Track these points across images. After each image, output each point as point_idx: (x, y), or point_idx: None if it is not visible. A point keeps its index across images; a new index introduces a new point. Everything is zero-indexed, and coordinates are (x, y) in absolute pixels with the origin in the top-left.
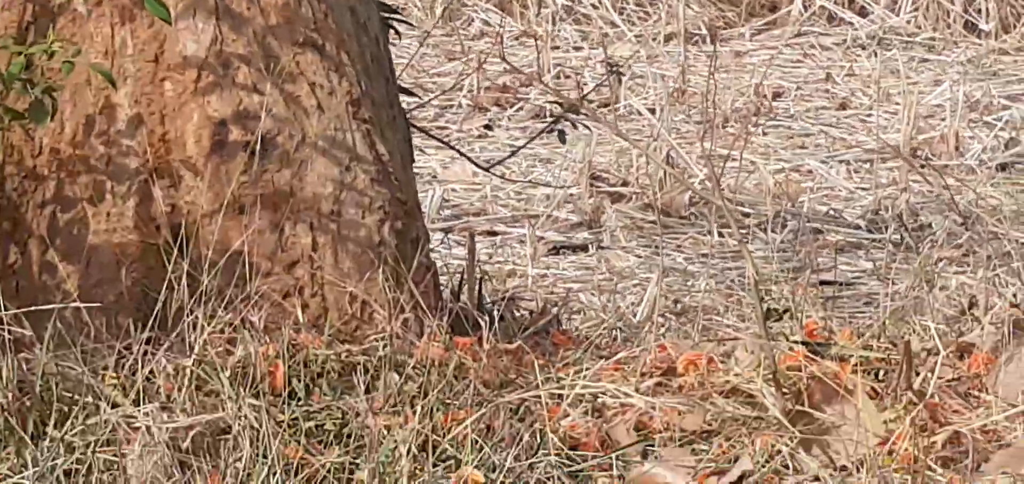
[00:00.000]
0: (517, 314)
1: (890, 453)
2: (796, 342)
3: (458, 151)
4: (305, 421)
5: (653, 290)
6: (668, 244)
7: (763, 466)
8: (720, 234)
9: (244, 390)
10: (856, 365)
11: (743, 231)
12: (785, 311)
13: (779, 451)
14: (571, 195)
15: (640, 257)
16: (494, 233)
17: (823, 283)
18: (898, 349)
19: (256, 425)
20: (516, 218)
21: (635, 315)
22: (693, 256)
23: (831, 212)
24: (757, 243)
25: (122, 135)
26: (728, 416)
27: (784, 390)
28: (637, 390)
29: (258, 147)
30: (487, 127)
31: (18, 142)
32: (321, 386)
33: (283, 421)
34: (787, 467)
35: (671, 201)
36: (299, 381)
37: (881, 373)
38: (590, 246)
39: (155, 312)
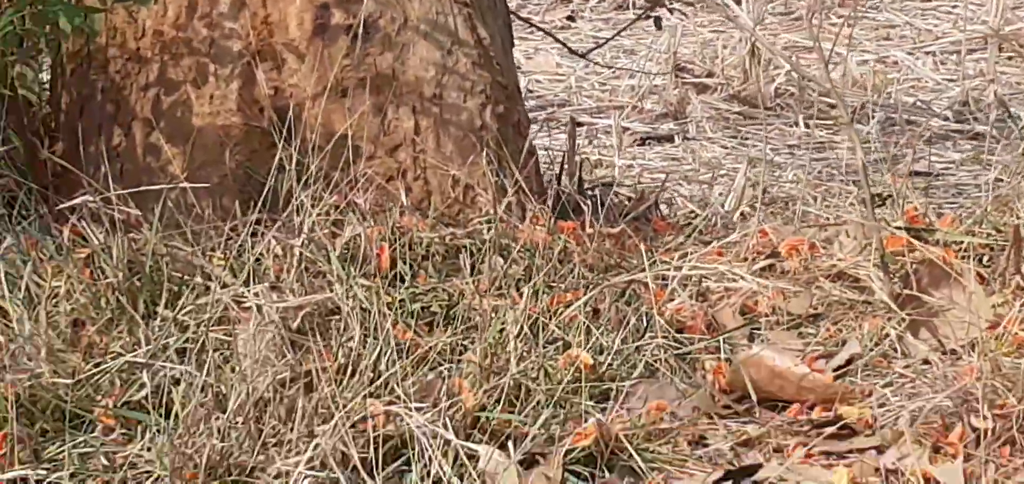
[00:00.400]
0: (615, 200)
1: (999, 337)
2: (899, 227)
3: (555, 37)
4: (411, 303)
5: (741, 179)
6: (754, 135)
7: (871, 349)
8: (806, 125)
9: (354, 270)
10: (965, 249)
11: (836, 119)
12: (887, 197)
13: (887, 335)
14: (656, 86)
15: (726, 148)
16: (579, 124)
17: (915, 174)
18: (1002, 235)
19: (366, 306)
20: (601, 109)
21: (723, 205)
22: (780, 147)
23: (918, 103)
24: (844, 134)
25: (224, 18)
26: (834, 300)
27: (891, 274)
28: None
29: (360, 30)
30: (570, 18)
31: (121, 24)
32: (426, 269)
33: (391, 302)
34: (895, 350)
35: (756, 92)
36: (404, 264)
37: (985, 259)
38: (676, 137)
39: (262, 194)
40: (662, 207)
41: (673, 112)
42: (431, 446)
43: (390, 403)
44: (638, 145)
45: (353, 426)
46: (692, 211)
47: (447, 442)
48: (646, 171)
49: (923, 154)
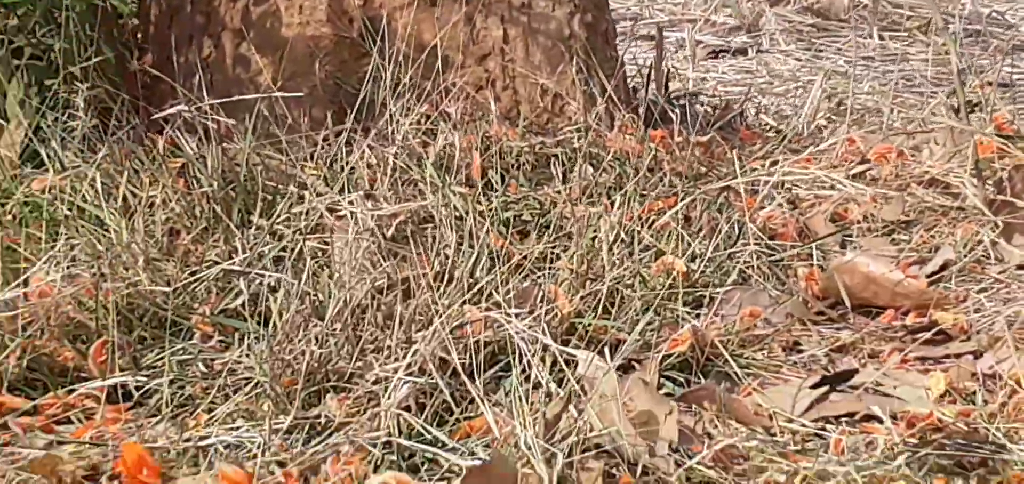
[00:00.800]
0: (700, 110)
1: None
2: (989, 134)
3: None
4: (503, 211)
5: (817, 91)
6: (827, 48)
7: (965, 255)
8: (880, 37)
9: (449, 178)
10: None
11: (911, 30)
12: (976, 105)
13: (981, 240)
14: None
15: (800, 60)
16: (651, 37)
17: (999, 84)
18: None
19: (459, 214)
20: (673, 22)
21: (801, 117)
22: (854, 59)
23: (994, 14)
24: (918, 46)
25: None
26: (927, 206)
27: (984, 180)
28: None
29: None
30: None
31: None
32: (517, 178)
33: (484, 211)
34: (989, 256)
35: (830, 5)
36: (495, 172)
37: None
38: (749, 50)
39: (353, 105)
40: (748, 116)
41: (746, 25)
42: (530, 351)
43: (488, 310)
44: (711, 58)
45: (451, 332)
46: (767, 124)
47: (545, 348)
48: (720, 84)
49: (1000, 65)
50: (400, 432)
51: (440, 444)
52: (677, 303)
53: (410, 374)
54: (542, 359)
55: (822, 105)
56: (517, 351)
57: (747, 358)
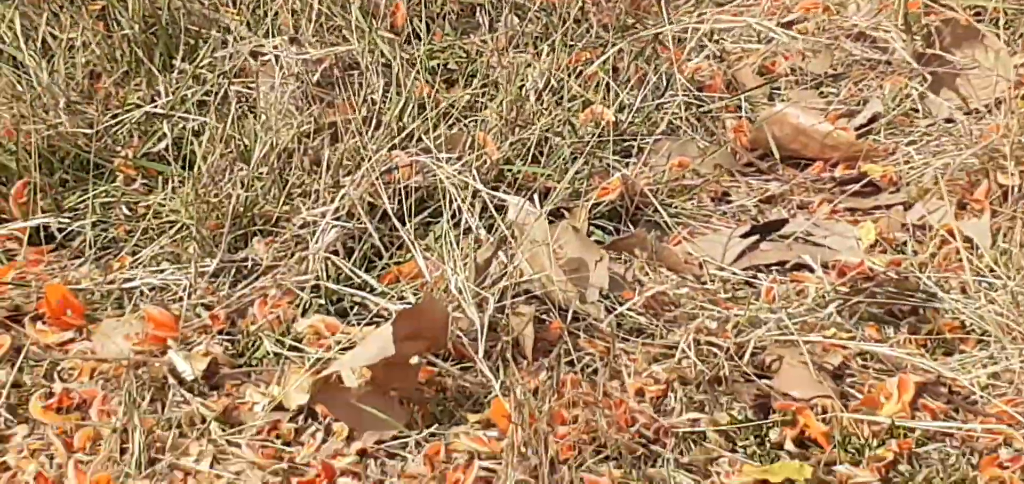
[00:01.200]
0: None
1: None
2: None
3: None
4: (429, 60)
5: None
6: None
7: (894, 108)
8: None
9: (377, 23)
10: (983, 10)
11: None
12: None
13: (909, 94)
14: None
15: None
16: None
17: None
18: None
19: (387, 60)
20: None
21: None
22: None
23: None
24: None
25: None
26: (855, 60)
27: (912, 33)
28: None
29: None
30: None
31: None
32: (442, 26)
33: (409, 59)
34: (917, 110)
35: None
36: (420, 21)
37: (1002, 22)
38: None
39: None
40: None
41: None
42: (460, 196)
43: (417, 155)
44: None
45: (380, 176)
46: None
47: (475, 193)
48: None
49: None
50: (328, 276)
51: (369, 288)
52: (606, 151)
53: (338, 218)
54: (472, 204)
55: None
56: (447, 196)
57: (676, 207)
